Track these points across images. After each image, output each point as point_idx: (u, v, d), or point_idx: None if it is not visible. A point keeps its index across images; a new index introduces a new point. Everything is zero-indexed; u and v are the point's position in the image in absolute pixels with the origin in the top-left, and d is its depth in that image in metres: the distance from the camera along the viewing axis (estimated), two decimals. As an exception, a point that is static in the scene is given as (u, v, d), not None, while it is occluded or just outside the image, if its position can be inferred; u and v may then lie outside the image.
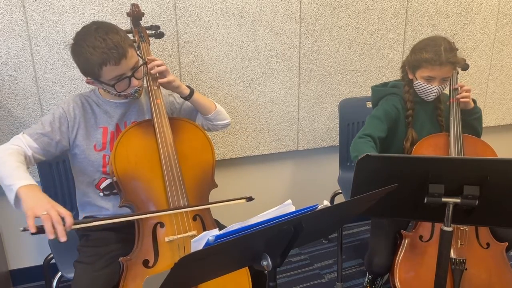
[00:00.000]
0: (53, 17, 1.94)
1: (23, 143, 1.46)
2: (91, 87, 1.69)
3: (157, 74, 1.61)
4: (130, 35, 1.65)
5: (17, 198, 1.28)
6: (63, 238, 1.19)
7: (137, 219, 1.48)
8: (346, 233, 2.79)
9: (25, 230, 1.19)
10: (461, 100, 1.88)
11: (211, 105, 1.75)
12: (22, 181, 1.29)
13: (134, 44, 1.60)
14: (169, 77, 1.61)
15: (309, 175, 2.73)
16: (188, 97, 1.68)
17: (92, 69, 1.44)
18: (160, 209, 1.50)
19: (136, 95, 1.57)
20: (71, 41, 1.49)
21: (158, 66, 1.60)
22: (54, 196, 1.89)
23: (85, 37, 1.44)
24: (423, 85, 1.85)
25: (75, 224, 1.24)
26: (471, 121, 1.95)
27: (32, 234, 1.19)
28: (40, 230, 1.19)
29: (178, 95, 1.72)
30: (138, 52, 1.58)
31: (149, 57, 1.62)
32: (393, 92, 1.96)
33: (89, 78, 1.51)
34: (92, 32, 1.43)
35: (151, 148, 1.54)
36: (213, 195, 1.65)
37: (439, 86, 1.84)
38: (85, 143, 1.57)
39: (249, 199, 1.52)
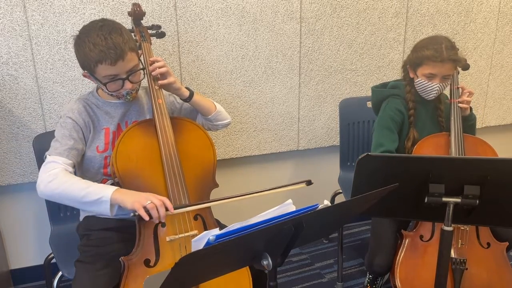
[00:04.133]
0: (54, 17, 1.94)
1: (61, 164, 1.48)
2: (90, 87, 1.70)
3: (159, 76, 1.61)
4: (132, 35, 1.65)
5: (111, 205, 1.40)
6: (163, 219, 1.41)
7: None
8: (346, 232, 2.79)
9: (134, 215, 1.38)
10: (460, 105, 1.87)
11: (211, 106, 1.75)
12: (107, 190, 1.41)
13: (136, 43, 1.60)
14: (170, 79, 1.62)
15: (309, 174, 2.73)
16: (187, 99, 1.68)
17: (89, 64, 1.47)
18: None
19: (128, 97, 1.57)
20: (76, 32, 1.51)
21: (159, 67, 1.60)
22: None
23: (88, 32, 1.46)
24: (424, 83, 1.85)
25: (174, 208, 1.42)
26: (465, 128, 1.94)
27: (139, 221, 1.43)
28: (149, 216, 1.38)
29: None
30: (140, 57, 1.58)
31: (151, 58, 1.62)
32: (394, 93, 1.96)
33: (85, 71, 1.52)
34: (96, 28, 1.45)
35: (153, 148, 1.55)
36: (214, 195, 1.65)
37: (440, 84, 1.84)
38: (88, 145, 1.58)
39: (309, 182, 1.56)
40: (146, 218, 1.36)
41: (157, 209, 1.37)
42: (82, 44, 1.46)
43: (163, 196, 1.51)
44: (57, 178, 1.43)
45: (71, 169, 1.50)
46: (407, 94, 1.93)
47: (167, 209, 1.39)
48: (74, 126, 1.55)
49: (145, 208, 1.36)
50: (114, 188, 1.42)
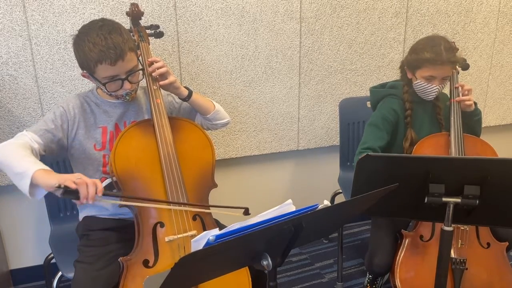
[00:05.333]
0: (53, 17, 1.94)
1: (29, 138, 1.46)
2: (89, 87, 1.70)
3: (158, 76, 1.61)
4: (131, 35, 1.65)
5: (32, 185, 1.28)
6: (91, 200, 1.27)
7: (137, 213, 1.49)
8: (346, 232, 2.79)
9: (60, 187, 1.24)
10: (466, 103, 1.87)
11: (210, 105, 1.75)
12: (36, 165, 1.30)
13: (135, 43, 1.60)
14: (171, 78, 1.62)
15: (309, 174, 2.73)
16: (186, 99, 1.68)
17: (88, 64, 1.46)
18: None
19: (127, 97, 1.58)
20: (76, 32, 1.50)
21: (159, 68, 1.60)
22: (53, 196, 1.88)
23: (88, 32, 1.46)
24: (424, 84, 1.85)
25: (104, 194, 1.31)
26: (471, 123, 1.94)
27: (64, 194, 1.24)
28: (75, 192, 1.25)
29: None
30: (140, 57, 1.58)
31: (150, 59, 1.62)
32: (392, 93, 1.96)
33: (84, 71, 1.52)
34: (96, 28, 1.45)
35: (151, 148, 1.54)
36: (213, 195, 1.64)
37: (439, 85, 1.84)
38: (85, 142, 1.58)
39: (246, 212, 1.49)
40: (73, 186, 1.24)
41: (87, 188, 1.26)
42: (81, 44, 1.45)
43: (161, 196, 1.52)
44: (11, 143, 1.40)
45: (36, 145, 1.46)
46: (404, 94, 1.92)
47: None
48: (62, 115, 1.55)
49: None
50: (45, 167, 1.31)
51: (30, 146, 1.44)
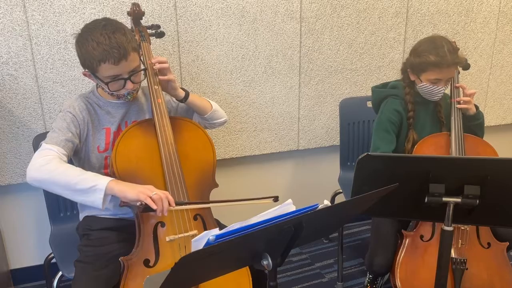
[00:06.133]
0: (54, 17, 1.94)
1: (55, 151, 1.45)
2: (90, 86, 1.70)
3: (157, 71, 1.61)
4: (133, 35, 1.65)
5: (105, 195, 1.37)
6: (166, 213, 1.39)
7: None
8: (346, 232, 2.79)
9: (141, 204, 1.37)
10: (462, 105, 1.86)
11: (207, 105, 1.75)
12: (103, 179, 1.39)
13: (137, 43, 1.60)
14: (170, 76, 1.62)
15: (309, 174, 2.73)
16: (183, 100, 1.68)
17: (91, 63, 1.45)
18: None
19: (129, 97, 1.57)
20: (78, 31, 1.50)
21: (161, 62, 1.60)
22: (54, 196, 1.88)
23: (92, 31, 1.45)
24: (430, 87, 1.84)
25: (176, 204, 1.42)
26: (472, 126, 1.93)
27: (143, 211, 1.39)
28: (152, 208, 1.37)
29: None
30: (141, 57, 1.58)
31: (153, 58, 1.62)
32: (393, 93, 1.96)
33: (86, 70, 1.52)
34: (100, 27, 1.45)
35: (152, 147, 1.54)
36: (214, 194, 1.65)
37: (444, 86, 1.84)
38: (90, 144, 1.58)
39: (276, 199, 1.50)
40: (155, 206, 1.35)
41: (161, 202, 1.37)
42: (85, 43, 1.45)
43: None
44: (51, 163, 1.40)
45: (65, 158, 1.47)
46: (406, 96, 1.92)
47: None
48: (73, 121, 1.54)
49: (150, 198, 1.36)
50: (110, 178, 1.40)
51: (63, 160, 1.45)
